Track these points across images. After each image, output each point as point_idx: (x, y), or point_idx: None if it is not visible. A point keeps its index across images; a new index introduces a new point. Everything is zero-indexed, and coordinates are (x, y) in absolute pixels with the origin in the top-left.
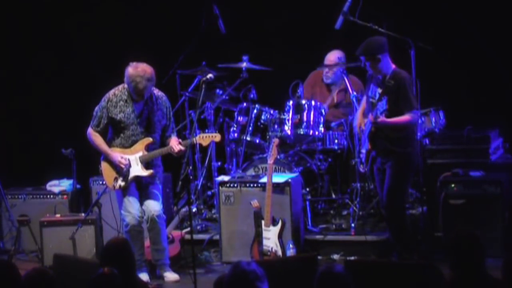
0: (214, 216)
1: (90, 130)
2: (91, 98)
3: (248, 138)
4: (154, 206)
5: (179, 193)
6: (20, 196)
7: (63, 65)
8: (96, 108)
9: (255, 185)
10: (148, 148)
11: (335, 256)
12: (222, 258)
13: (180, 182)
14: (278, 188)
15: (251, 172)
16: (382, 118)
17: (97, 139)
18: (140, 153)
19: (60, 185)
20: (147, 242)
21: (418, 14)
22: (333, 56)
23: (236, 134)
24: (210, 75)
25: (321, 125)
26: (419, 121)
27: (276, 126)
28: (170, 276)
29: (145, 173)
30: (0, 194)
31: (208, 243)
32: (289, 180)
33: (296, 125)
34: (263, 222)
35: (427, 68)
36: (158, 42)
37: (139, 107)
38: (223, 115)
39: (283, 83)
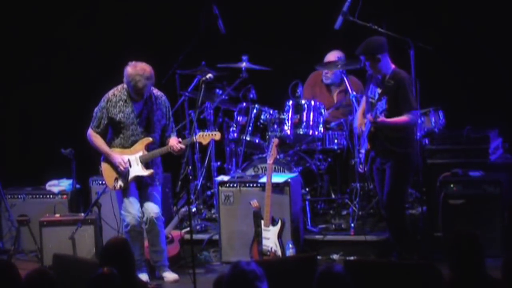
0: (213, 216)
1: (90, 131)
2: (91, 98)
3: (248, 138)
4: (153, 208)
5: (179, 193)
6: (19, 196)
7: (63, 65)
8: (96, 109)
9: (255, 185)
10: (148, 148)
11: (335, 256)
12: (222, 258)
13: (179, 182)
14: (278, 188)
15: (250, 172)
16: (381, 118)
17: (98, 140)
18: (140, 153)
19: (60, 185)
20: (146, 243)
21: (418, 14)
22: (333, 56)
23: (235, 134)
24: (209, 75)
25: (321, 125)
26: (419, 121)
27: (275, 126)
28: (170, 276)
29: (145, 173)
30: None
31: (208, 243)
32: (289, 180)
33: (295, 125)
34: (262, 222)
35: (427, 68)
36: (157, 42)
37: (139, 107)
38: (222, 115)
39: (283, 83)
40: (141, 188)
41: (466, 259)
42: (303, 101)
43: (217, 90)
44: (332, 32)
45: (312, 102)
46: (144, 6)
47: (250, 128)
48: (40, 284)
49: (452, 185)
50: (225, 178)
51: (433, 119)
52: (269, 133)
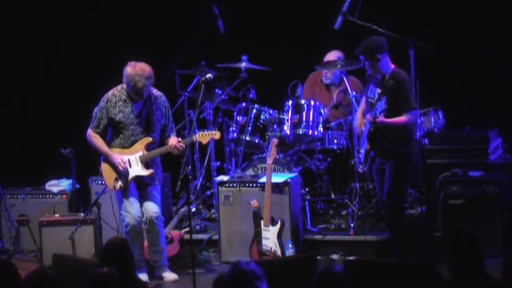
0: (213, 216)
1: (90, 132)
2: (91, 98)
3: (247, 138)
4: (152, 208)
5: (178, 193)
6: (19, 196)
7: (63, 65)
8: (95, 109)
9: (254, 185)
10: (148, 147)
11: (334, 256)
12: (221, 258)
13: (179, 182)
14: (277, 188)
15: (250, 172)
16: (381, 118)
17: (97, 140)
18: (140, 153)
19: (59, 185)
20: (146, 243)
21: (418, 14)
22: (332, 57)
23: (235, 134)
24: (209, 75)
25: (320, 125)
26: (418, 121)
27: (275, 126)
28: (169, 276)
29: (145, 172)
30: None
31: (207, 243)
32: (288, 180)
33: (295, 125)
34: (262, 222)
35: (427, 68)
36: (157, 42)
37: (138, 107)
38: (222, 115)
39: (282, 83)
40: (140, 188)
41: (466, 259)
42: (302, 101)
43: (217, 90)
44: (332, 32)
45: (312, 102)
46: (144, 6)
47: (249, 128)
48: (40, 285)
49: (451, 185)
50: (224, 178)
51: (432, 119)
52: (269, 133)
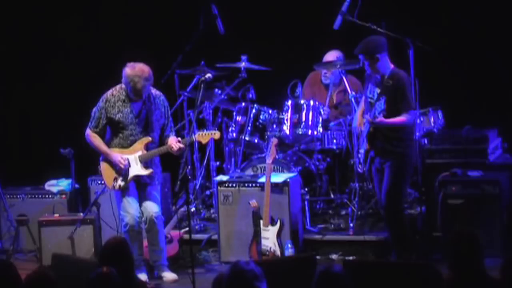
0: (212, 216)
1: (88, 131)
2: (90, 98)
3: (247, 138)
4: (152, 207)
5: (178, 193)
6: (18, 196)
7: (62, 65)
8: (94, 109)
9: (254, 185)
10: (147, 147)
11: (334, 256)
12: (221, 258)
13: (178, 182)
14: (277, 188)
15: (249, 172)
16: (380, 118)
17: (96, 140)
18: (139, 153)
19: (59, 185)
20: (145, 242)
21: (417, 14)
22: (331, 56)
23: (234, 134)
24: (208, 75)
25: (320, 125)
26: (418, 121)
27: (274, 126)
28: (169, 276)
29: (144, 172)
30: None
31: (207, 243)
32: (288, 180)
33: (294, 125)
34: (261, 222)
35: (426, 68)
36: (156, 42)
37: (137, 107)
38: (221, 115)
39: (282, 83)
40: (140, 187)
41: (465, 259)
42: (302, 101)
43: (216, 90)
44: (331, 32)
45: (311, 102)
46: (143, 6)
47: (249, 128)
48: (41, 285)
49: (451, 185)
50: (224, 178)
51: (432, 119)
52: (268, 133)
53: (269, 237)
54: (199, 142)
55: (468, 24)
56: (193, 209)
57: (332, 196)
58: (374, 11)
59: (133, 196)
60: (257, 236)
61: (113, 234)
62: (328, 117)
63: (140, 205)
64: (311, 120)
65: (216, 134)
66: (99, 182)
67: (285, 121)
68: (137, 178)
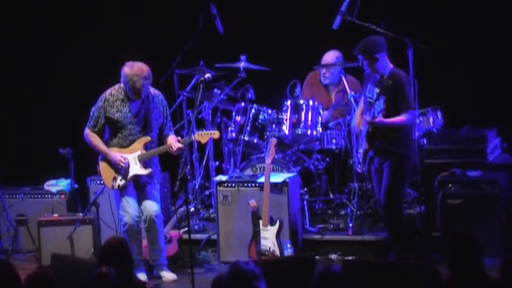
0: (212, 216)
1: (87, 131)
2: (89, 98)
3: (246, 138)
4: (152, 206)
5: (177, 193)
6: (18, 196)
7: (62, 65)
8: (93, 109)
9: (253, 185)
10: (146, 147)
11: (333, 256)
12: (220, 258)
13: (178, 182)
14: (276, 188)
15: (248, 172)
16: (379, 118)
17: (95, 140)
18: (139, 152)
19: (58, 185)
20: (145, 242)
21: (417, 13)
22: (330, 56)
23: (234, 134)
24: (208, 75)
25: (319, 125)
26: (417, 121)
27: (274, 126)
28: (168, 275)
29: (144, 172)
30: None
31: (206, 243)
32: (287, 180)
33: (294, 125)
34: (261, 222)
35: (425, 67)
36: (156, 41)
37: (136, 107)
38: (221, 115)
39: (281, 83)
40: (139, 187)
41: (464, 259)
42: (301, 101)
43: (216, 90)
44: (331, 32)
45: (311, 102)
46: (143, 6)
47: (248, 128)
48: (41, 286)
49: (450, 185)
50: (223, 178)
51: (431, 119)
52: (268, 133)
53: (268, 237)
54: (199, 142)
55: (468, 24)
56: (192, 209)
57: (331, 196)
58: (374, 11)
59: (132, 195)
60: (256, 236)
61: (112, 234)
62: (326, 120)
63: (140, 205)
64: (310, 120)
65: (216, 134)
66: (99, 182)
67: (284, 121)
68: (136, 177)
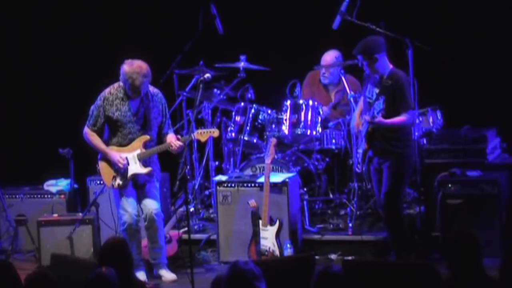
0: (211, 216)
1: (86, 130)
2: (89, 97)
3: (246, 138)
4: (152, 204)
5: (177, 193)
6: (17, 196)
7: (61, 64)
8: (92, 107)
9: (253, 185)
10: (146, 145)
11: (333, 256)
12: (220, 258)
13: (177, 182)
14: (276, 188)
15: (248, 172)
16: (379, 118)
17: (94, 138)
18: (138, 151)
19: (58, 185)
20: (144, 242)
21: (416, 13)
22: (330, 56)
23: (233, 134)
24: (207, 75)
25: (319, 125)
26: (417, 121)
27: (273, 126)
28: (168, 275)
29: (143, 170)
30: None
31: (206, 243)
32: (287, 180)
33: (293, 125)
34: (260, 221)
35: (425, 67)
36: (155, 41)
37: (135, 105)
38: (220, 115)
39: (281, 83)
40: (139, 186)
41: (464, 259)
42: (301, 101)
43: (215, 90)
44: (330, 32)
45: (310, 102)
46: (142, 6)
47: (248, 128)
48: (41, 286)
49: (450, 185)
50: (223, 178)
51: (431, 119)
52: (267, 133)
53: (268, 237)
54: (198, 141)
55: (468, 24)
56: (192, 209)
57: (331, 196)
58: (373, 11)
59: (131, 194)
60: (256, 236)
61: (112, 234)
62: (327, 117)
63: (140, 203)
64: (310, 120)
65: (215, 132)
66: (98, 182)
67: (284, 121)
68: (136, 176)
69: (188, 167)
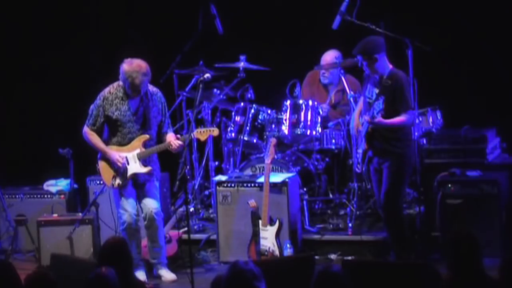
0: (211, 216)
1: (86, 129)
2: (89, 97)
3: (246, 138)
4: (152, 204)
5: (177, 193)
6: (17, 196)
7: (61, 64)
8: (92, 107)
9: (253, 185)
10: (145, 145)
11: (333, 256)
12: (220, 258)
13: (177, 182)
14: (276, 188)
15: (248, 172)
16: (378, 119)
17: (93, 138)
18: (138, 150)
19: (57, 185)
20: (144, 242)
21: (416, 13)
22: (329, 56)
23: (233, 134)
24: (207, 75)
25: (319, 125)
26: (416, 121)
27: (273, 126)
28: (167, 275)
29: (143, 170)
30: None
31: (206, 243)
32: (287, 180)
33: (293, 125)
34: (260, 222)
35: (425, 67)
36: (155, 41)
37: (135, 105)
38: (220, 115)
39: (281, 83)
40: (138, 185)
41: (464, 259)
42: (301, 101)
43: (215, 90)
44: (330, 32)
45: (310, 102)
46: (142, 6)
47: (248, 128)
48: (41, 286)
49: (449, 185)
50: (222, 178)
51: (431, 119)
52: (267, 133)
53: (268, 237)
54: (198, 140)
55: (467, 24)
56: (192, 209)
57: (331, 196)
58: (373, 11)
59: (130, 194)
60: (256, 236)
61: (111, 234)
62: (327, 115)
63: (140, 202)
64: (310, 120)
65: (215, 131)
66: (98, 182)
67: (284, 121)
68: (136, 176)
69: (188, 167)
